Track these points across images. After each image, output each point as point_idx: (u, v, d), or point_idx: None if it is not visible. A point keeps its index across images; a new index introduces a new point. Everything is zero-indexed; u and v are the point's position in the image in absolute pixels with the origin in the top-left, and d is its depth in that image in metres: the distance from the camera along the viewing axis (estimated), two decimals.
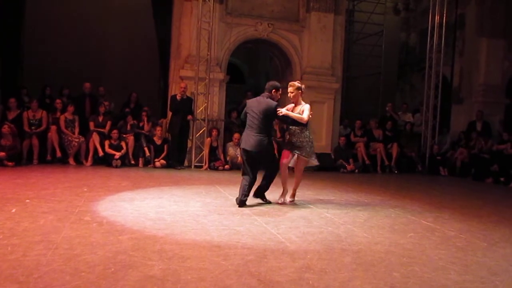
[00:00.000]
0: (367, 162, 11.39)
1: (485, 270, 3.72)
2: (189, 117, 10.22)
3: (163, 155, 10.05)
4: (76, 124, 9.83)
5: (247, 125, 6.04)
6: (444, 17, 12.30)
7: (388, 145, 11.65)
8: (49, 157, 9.46)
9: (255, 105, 5.98)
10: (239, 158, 10.23)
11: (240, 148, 6.32)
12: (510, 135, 10.77)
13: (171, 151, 10.09)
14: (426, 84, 12.58)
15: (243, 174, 6.02)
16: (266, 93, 6.04)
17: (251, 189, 5.96)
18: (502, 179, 10.03)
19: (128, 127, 10.26)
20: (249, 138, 5.91)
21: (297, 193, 6.38)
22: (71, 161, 9.57)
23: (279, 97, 6.23)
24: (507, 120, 12.89)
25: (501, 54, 12.92)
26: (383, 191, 8.19)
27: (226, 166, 10.23)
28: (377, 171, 11.39)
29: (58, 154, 9.47)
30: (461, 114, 13.17)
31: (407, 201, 6.99)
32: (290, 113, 6.03)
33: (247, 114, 6.03)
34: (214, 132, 10.32)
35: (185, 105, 10.12)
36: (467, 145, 11.66)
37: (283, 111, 5.98)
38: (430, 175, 11.45)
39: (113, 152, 9.58)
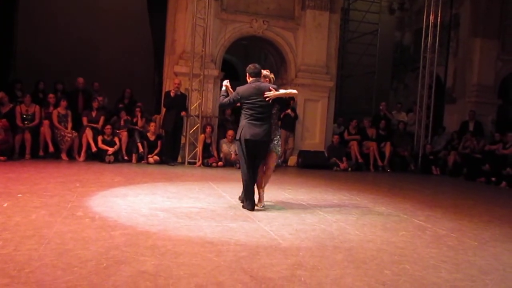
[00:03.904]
0: (360, 160, 11.43)
1: (475, 269, 3.75)
2: (183, 113, 10.20)
3: (156, 151, 10.02)
4: (69, 119, 9.77)
5: (250, 116, 5.48)
6: (439, 17, 12.35)
7: (381, 144, 11.69)
8: (41, 152, 9.40)
9: (256, 93, 5.47)
10: (233, 155, 10.28)
11: (241, 141, 5.53)
12: (502, 136, 10.84)
13: (165, 147, 10.07)
14: (420, 84, 12.64)
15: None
16: (258, 78, 5.63)
17: None
18: (493, 179, 10.09)
19: (122, 122, 10.22)
20: (256, 128, 5.45)
21: (290, 191, 6.36)
22: (64, 156, 9.52)
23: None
24: (499, 121, 12.99)
25: (495, 54, 13.01)
26: (375, 189, 8.22)
27: (220, 163, 10.22)
28: (370, 169, 11.43)
29: (51, 149, 9.42)
30: (454, 114, 13.25)
31: (399, 200, 7.03)
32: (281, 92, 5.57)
33: (245, 105, 5.51)
34: (208, 129, 10.31)
35: (179, 101, 10.09)
36: (459, 145, 11.73)
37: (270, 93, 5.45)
38: (423, 174, 11.50)
39: (106, 147, 9.54)
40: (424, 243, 4.48)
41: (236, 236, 4.23)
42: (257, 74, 5.62)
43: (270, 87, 5.50)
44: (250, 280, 3.13)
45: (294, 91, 5.85)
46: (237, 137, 5.58)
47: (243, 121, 5.53)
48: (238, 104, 5.66)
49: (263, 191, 5.73)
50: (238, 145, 5.65)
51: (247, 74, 5.65)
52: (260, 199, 5.66)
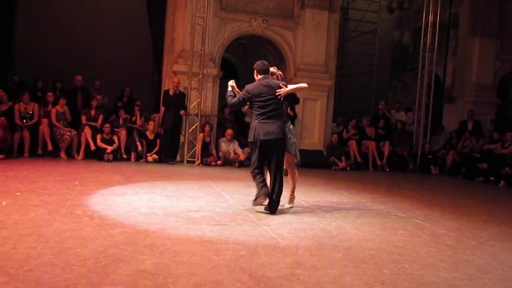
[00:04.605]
0: (359, 159, 11.43)
1: (474, 268, 3.75)
2: (182, 112, 10.20)
3: (155, 150, 10.02)
4: (68, 116, 9.76)
5: (261, 115, 5.32)
6: (438, 17, 12.35)
7: (380, 143, 11.70)
8: (40, 151, 9.39)
9: (267, 90, 5.34)
10: (232, 154, 10.28)
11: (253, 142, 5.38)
12: (501, 135, 10.85)
13: (164, 146, 10.06)
14: (419, 83, 12.64)
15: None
16: (267, 75, 5.46)
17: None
18: (492, 178, 10.10)
19: (121, 121, 10.21)
20: (268, 126, 5.28)
21: (288, 190, 6.29)
22: (63, 154, 9.50)
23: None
24: (498, 120, 13.01)
25: (494, 54, 13.01)
26: (374, 188, 8.23)
27: (219, 162, 10.22)
28: (368, 169, 11.43)
29: (50, 147, 9.40)
30: (453, 113, 13.25)
31: (398, 199, 7.04)
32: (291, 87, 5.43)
33: (255, 103, 5.34)
34: (207, 128, 10.31)
35: (178, 100, 10.09)
36: (458, 144, 11.73)
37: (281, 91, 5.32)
38: (421, 173, 11.51)
39: (105, 146, 9.53)
40: (422, 242, 4.48)
41: (235, 235, 4.23)
42: (265, 71, 5.47)
43: (280, 84, 5.39)
44: (249, 279, 3.13)
45: (305, 84, 5.72)
46: (250, 139, 5.39)
47: (254, 122, 5.37)
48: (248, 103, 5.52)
49: (293, 197, 5.76)
50: (252, 147, 5.47)
51: (255, 71, 5.49)
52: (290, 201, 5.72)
